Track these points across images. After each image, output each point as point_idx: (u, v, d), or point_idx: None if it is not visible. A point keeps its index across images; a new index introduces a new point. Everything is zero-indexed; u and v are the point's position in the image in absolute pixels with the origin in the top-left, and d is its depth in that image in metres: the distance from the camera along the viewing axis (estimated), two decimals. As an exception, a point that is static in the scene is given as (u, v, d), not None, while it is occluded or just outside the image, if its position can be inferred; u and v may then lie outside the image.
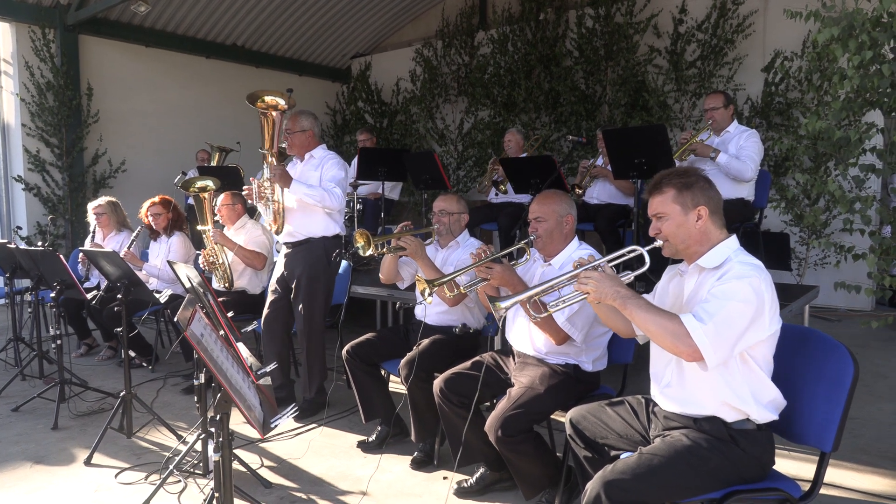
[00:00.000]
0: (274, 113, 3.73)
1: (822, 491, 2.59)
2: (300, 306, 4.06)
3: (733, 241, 2.12)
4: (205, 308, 2.20)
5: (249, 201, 4.06)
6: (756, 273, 1.98)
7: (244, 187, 4.00)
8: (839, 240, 3.53)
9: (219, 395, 1.96)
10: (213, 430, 2.02)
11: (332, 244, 4.13)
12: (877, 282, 3.24)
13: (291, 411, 2.05)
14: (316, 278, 4.07)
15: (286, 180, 3.82)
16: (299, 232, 4.04)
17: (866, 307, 6.77)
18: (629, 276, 2.12)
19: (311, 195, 3.87)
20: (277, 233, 4.07)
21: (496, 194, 6.21)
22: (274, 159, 3.83)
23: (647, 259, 2.13)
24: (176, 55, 9.42)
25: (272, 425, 1.93)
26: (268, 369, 2.34)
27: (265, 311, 4.25)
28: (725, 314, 1.91)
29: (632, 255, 2.17)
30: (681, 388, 2.13)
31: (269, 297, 4.26)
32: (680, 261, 2.25)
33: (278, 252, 4.56)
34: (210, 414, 1.95)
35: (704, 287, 2.05)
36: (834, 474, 3.23)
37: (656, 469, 1.94)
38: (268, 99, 3.70)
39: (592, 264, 2.13)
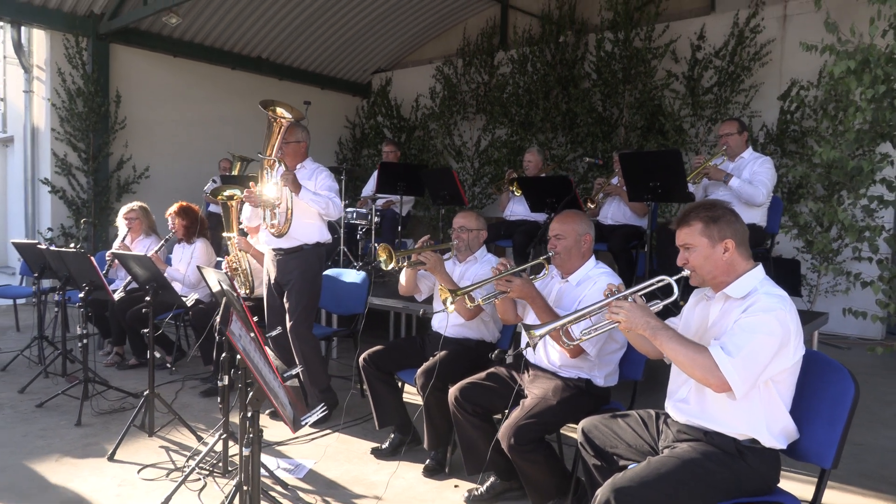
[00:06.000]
0: (283, 120, 3.89)
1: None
2: (291, 310, 4.14)
3: (759, 270, 2.20)
4: (238, 311, 2.31)
5: (250, 204, 4.14)
6: (781, 305, 2.07)
7: (246, 191, 4.09)
8: (849, 267, 3.61)
9: (251, 393, 2.08)
10: (243, 426, 2.14)
11: (323, 251, 4.29)
12: (882, 308, 3.32)
13: (320, 410, 2.16)
14: (310, 284, 4.19)
15: (298, 186, 3.94)
16: (294, 237, 4.11)
17: (877, 335, 6.80)
18: (658, 306, 2.23)
19: (317, 202, 4.02)
20: (280, 235, 4.07)
21: (511, 205, 6.30)
22: (283, 166, 3.98)
23: (676, 289, 2.22)
24: (202, 65, 9.67)
25: (303, 423, 2.04)
26: (293, 372, 2.45)
27: (268, 316, 4.32)
28: (752, 347, 2.00)
29: (660, 284, 2.26)
30: (697, 406, 2.23)
31: (269, 303, 4.32)
32: None
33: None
34: (231, 416, 2.05)
35: (730, 315, 2.14)
36: (838, 498, 3.29)
37: (664, 478, 2.03)
38: (278, 110, 3.86)
39: (623, 294, 2.23)
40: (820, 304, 6.98)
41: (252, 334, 2.29)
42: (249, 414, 2.08)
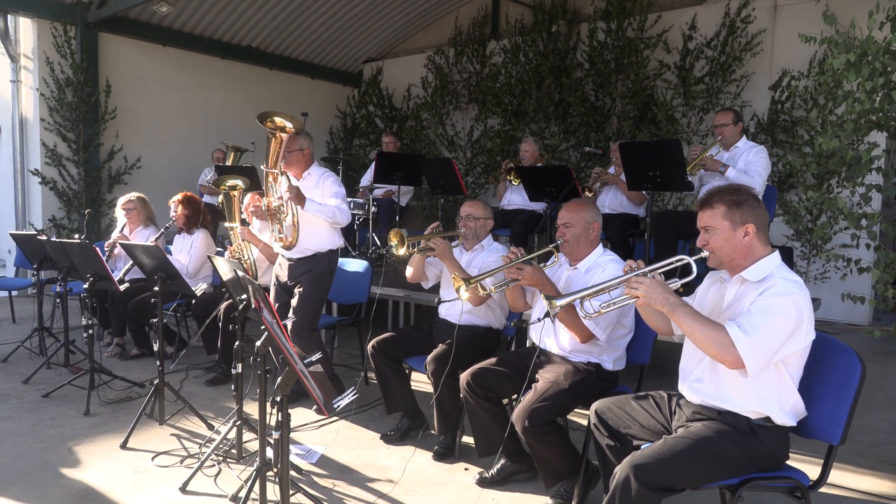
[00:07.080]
0: (282, 135, 3.84)
1: (825, 490, 2.77)
2: (296, 309, 4.17)
3: (776, 256, 2.28)
4: (262, 300, 2.36)
5: (255, 218, 4.10)
6: (798, 290, 2.16)
7: (247, 205, 4.06)
8: (844, 253, 3.72)
9: (279, 378, 2.12)
10: (262, 411, 2.19)
11: (335, 257, 4.32)
12: (880, 293, 3.44)
13: (351, 394, 2.21)
14: (318, 287, 4.21)
15: (302, 200, 3.92)
16: (307, 248, 4.15)
17: (863, 321, 6.96)
18: (677, 284, 2.30)
19: (323, 212, 4.01)
20: (289, 248, 4.10)
21: (508, 195, 6.37)
22: (287, 179, 3.94)
23: (695, 268, 2.29)
24: (192, 55, 9.60)
25: (335, 405, 2.10)
26: (313, 358, 2.49)
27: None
28: (768, 328, 2.09)
29: (679, 263, 2.33)
30: (712, 386, 2.31)
31: (276, 302, 4.33)
32: None
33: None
34: (240, 404, 2.10)
35: (746, 298, 2.22)
36: (835, 475, 3.40)
37: (681, 455, 2.11)
38: (277, 120, 3.80)
39: (642, 270, 2.29)
40: (809, 290, 7.10)
41: (274, 321, 2.33)
42: (278, 398, 2.13)
